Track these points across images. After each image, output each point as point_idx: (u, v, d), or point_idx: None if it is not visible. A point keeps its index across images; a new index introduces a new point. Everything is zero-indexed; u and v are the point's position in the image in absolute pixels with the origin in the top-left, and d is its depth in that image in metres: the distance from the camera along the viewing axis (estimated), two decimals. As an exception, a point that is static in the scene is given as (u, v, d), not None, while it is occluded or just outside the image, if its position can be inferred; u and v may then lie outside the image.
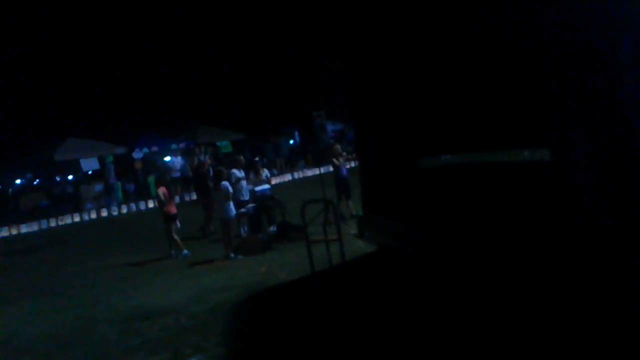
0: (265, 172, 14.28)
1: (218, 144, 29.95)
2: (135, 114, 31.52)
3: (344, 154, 14.75)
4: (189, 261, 11.89)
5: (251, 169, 14.52)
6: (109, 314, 8.47)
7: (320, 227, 13.61)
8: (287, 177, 24.41)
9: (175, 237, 12.69)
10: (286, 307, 7.87)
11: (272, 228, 13.40)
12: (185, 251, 12.58)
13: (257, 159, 15.24)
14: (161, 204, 12.82)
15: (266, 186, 13.34)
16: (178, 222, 12.70)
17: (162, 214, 12.81)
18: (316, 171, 26.39)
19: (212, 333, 6.94)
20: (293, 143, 30.45)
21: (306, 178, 24.97)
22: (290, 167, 27.42)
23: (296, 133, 30.67)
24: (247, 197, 13.76)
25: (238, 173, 13.74)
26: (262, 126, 31.82)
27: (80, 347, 7.05)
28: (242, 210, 12.63)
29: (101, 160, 26.63)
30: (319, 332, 6.60)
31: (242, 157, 14.13)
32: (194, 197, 22.37)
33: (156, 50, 31.59)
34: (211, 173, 24.31)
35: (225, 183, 12.00)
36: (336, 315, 7.19)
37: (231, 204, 12.03)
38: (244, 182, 13.90)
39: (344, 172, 14.29)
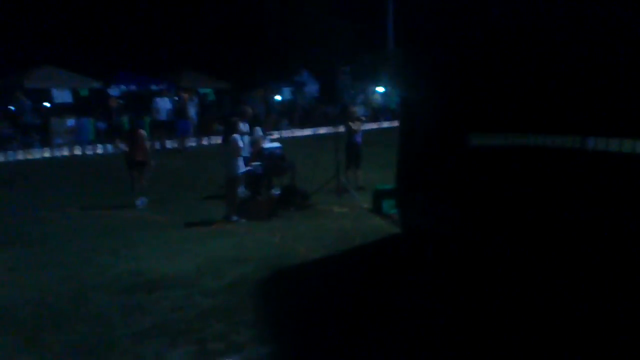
0: (257, 130, 12.82)
1: (200, 90, 28.22)
2: (115, 48, 29.38)
3: (363, 118, 13.40)
4: (185, 220, 10.47)
5: (255, 123, 13.06)
6: (103, 279, 7.09)
7: (331, 195, 12.47)
8: (275, 136, 22.90)
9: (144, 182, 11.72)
10: (324, 295, 6.61)
11: (275, 191, 12.06)
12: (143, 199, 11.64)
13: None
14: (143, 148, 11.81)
15: (276, 144, 11.91)
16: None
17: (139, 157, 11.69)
18: (306, 132, 25.09)
19: (240, 322, 5.65)
20: (280, 100, 28.84)
21: (295, 138, 23.53)
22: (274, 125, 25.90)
23: (284, 89, 29.08)
24: (247, 154, 12.35)
25: (242, 126, 12.27)
26: (249, 78, 30.12)
27: (76, 324, 5.68)
28: (248, 168, 11.21)
29: (75, 93, 24.67)
30: (374, 331, 5.40)
31: (249, 108, 12.62)
32: (176, 144, 20.82)
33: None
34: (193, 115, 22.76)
35: (237, 136, 10.57)
36: (390, 309, 6.00)
37: (241, 160, 10.63)
38: (246, 137, 12.46)
39: (358, 138, 12.99)
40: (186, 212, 11.15)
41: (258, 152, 12.29)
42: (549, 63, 6.80)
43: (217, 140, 22.08)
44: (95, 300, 6.31)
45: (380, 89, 31.81)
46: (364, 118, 13.60)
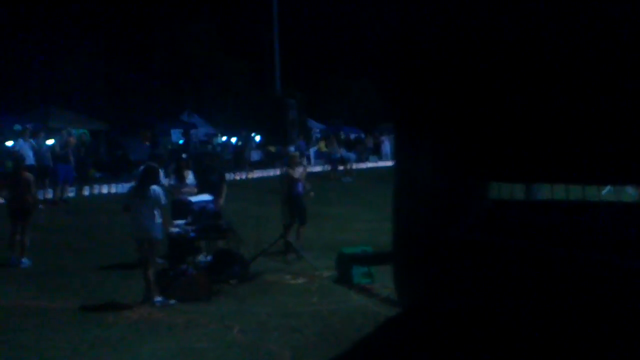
0: (190, 176, 10.05)
1: (74, 131, 24.46)
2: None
3: (305, 164, 10.94)
4: (88, 304, 7.41)
5: (173, 169, 10.22)
6: None
7: (273, 259, 9.84)
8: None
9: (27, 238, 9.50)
10: None
11: (203, 257, 9.25)
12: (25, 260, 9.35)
13: (184, 155, 10.83)
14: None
15: (206, 197, 9.09)
16: None
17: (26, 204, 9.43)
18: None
19: None
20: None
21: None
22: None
23: (173, 131, 25.93)
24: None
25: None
26: (129, 118, 26.73)
27: None
28: (175, 229, 8.32)
29: None
30: None
31: (164, 153, 9.80)
32: (50, 194, 17.05)
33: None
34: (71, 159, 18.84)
35: (157, 188, 7.77)
36: None
37: (160, 219, 7.82)
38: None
39: (300, 188, 10.47)
40: (86, 290, 8.11)
41: (178, 206, 9.48)
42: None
43: (102, 189, 18.76)
44: None
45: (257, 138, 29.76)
46: (305, 165, 11.12)
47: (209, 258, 9.13)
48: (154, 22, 27.58)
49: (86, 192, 17.99)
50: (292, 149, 11.28)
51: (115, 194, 18.20)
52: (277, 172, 24.68)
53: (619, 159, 5.25)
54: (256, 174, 24.98)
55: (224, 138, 30.01)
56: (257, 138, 27.73)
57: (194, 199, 9.10)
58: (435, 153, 6.59)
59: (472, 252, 6.24)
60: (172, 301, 7.54)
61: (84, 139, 22.53)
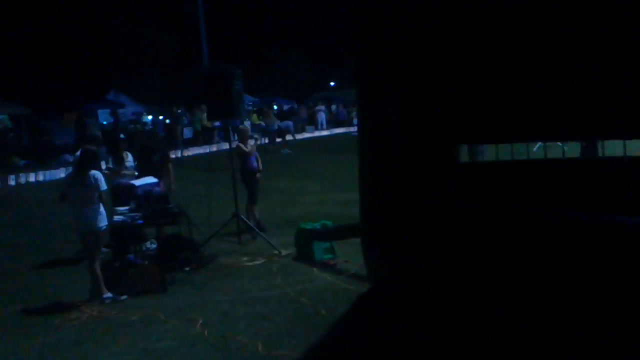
0: (129, 158, 9.32)
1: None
2: None
3: (256, 137, 10.35)
4: (30, 307, 6.72)
5: (107, 151, 9.45)
6: None
7: (226, 240, 9.29)
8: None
9: None
10: None
11: (149, 244, 8.62)
12: None
13: (122, 136, 10.00)
14: None
15: (150, 179, 8.40)
16: None
17: None
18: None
19: None
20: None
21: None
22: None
23: (100, 112, 24.57)
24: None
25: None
26: (52, 101, 25.21)
27: None
28: (120, 217, 7.64)
29: None
30: None
31: (99, 134, 8.99)
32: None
33: None
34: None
35: (97, 173, 7.07)
36: None
37: (102, 207, 7.15)
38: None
39: (254, 162, 9.90)
40: (25, 292, 7.36)
41: (118, 192, 8.77)
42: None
43: (28, 178, 17.63)
44: None
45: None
46: (256, 137, 10.54)
47: (155, 245, 8.53)
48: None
49: (12, 182, 16.85)
50: (247, 123, 10.63)
51: (43, 181, 17.20)
52: (214, 148, 24.25)
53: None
54: (190, 151, 24.18)
55: (150, 117, 28.87)
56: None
57: (137, 182, 8.40)
58: (403, 118, 6.18)
59: (447, 220, 5.91)
60: (123, 297, 6.92)
61: (5, 124, 21.07)
